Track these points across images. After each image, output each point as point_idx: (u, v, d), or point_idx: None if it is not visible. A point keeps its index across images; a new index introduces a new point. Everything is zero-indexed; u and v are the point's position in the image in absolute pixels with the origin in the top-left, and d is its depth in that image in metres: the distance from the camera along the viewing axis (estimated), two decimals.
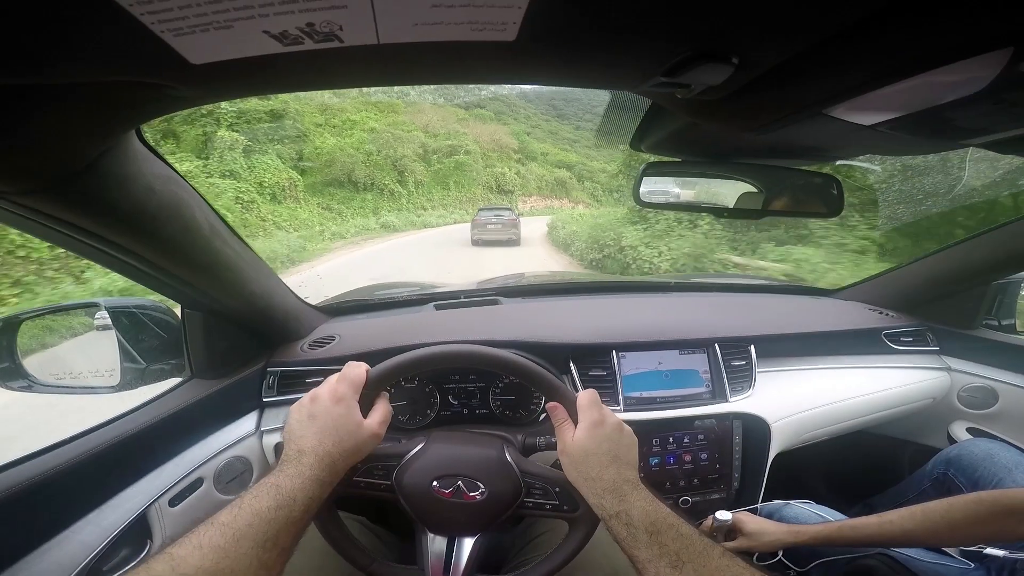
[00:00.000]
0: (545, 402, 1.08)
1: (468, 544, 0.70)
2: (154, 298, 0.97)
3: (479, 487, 0.69)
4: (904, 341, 1.46)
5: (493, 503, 0.69)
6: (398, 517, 0.73)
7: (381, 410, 0.67)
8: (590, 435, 0.64)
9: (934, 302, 1.49)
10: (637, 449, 0.67)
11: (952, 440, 1.39)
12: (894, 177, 5.61)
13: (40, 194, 0.51)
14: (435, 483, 0.69)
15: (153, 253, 0.70)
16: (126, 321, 0.95)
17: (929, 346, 1.48)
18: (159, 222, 0.64)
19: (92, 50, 0.33)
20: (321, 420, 0.61)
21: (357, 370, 0.67)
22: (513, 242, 15.27)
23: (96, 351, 0.94)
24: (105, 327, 0.91)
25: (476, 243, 15.10)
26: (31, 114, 0.40)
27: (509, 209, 16.88)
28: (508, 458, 0.73)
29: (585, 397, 0.68)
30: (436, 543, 0.70)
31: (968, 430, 1.40)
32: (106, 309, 0.92)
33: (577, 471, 0.64)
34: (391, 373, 0.71)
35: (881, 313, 1.53)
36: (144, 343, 0.96)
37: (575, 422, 0.67)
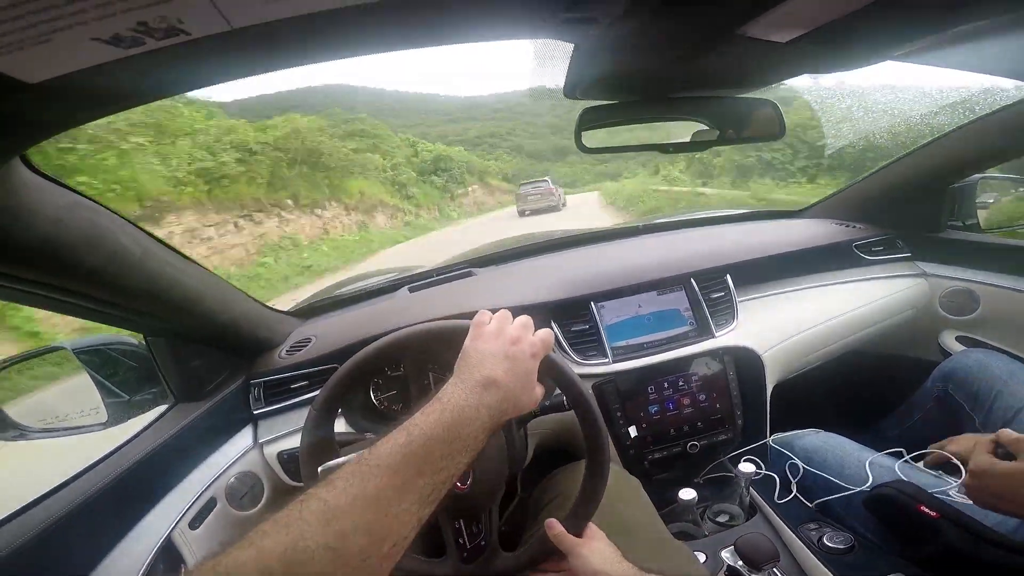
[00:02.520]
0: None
1: (477, 522, 0.71)
2: (120, 332, 0.96)
3: (469, 473, 0.69)
4: (876, 251, 1.47)
5: (481, 490, 0.70)
6: None
7: (543, 386, 0.64)
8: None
9: (898, 210, 1.49)
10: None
11: (944, 351, 1.40)
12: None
13: None
14: None
15: (84, 286, 0.67)
16: (97, 360, 0.94)
17: (901, 252, 1.48)
18: (79, 252, 0.61)
19: None
20: (519, 366, 0.58)
21: (550, 335, 0.65)
22: (553, 208, 17.17)
23: (76, 392, 0.94)
24: None
25: (522, 214, 17.34)
26: None
27: (546, 180, 18.86)
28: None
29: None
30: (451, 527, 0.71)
31: (958, 339, 1.40)
32: (71, 351, 0.91)
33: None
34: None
35: (849, 226, 1.54)
36: (120, 377, 0.95)
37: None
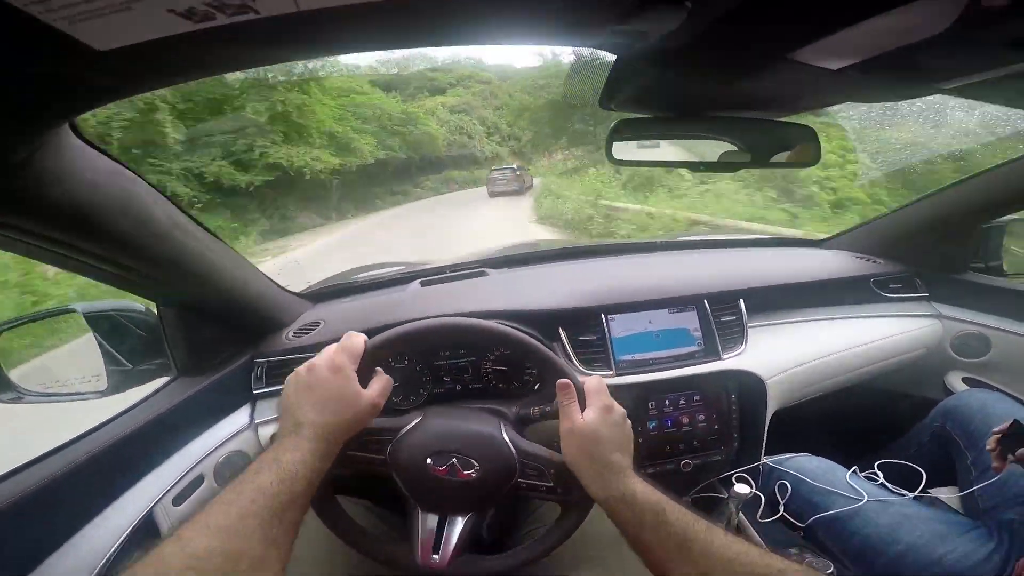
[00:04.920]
0: (539, 375, 1.09)
1: (459, 523, 0.69)
2: (131, 299, 0.95)
3: (474, 465, 0.68)
4: (893, 288, 1.45)
5: (486, 482, 0.69)
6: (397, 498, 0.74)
7: (381, 381, 0.66)
8: (602, 419, 0.64)
9: (921, 249, 1.47)
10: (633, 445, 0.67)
11: (948, 391, 1.39)
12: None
13: None
14: (429, 460, 0.68)
15: (110, 250, 0.68)
16: (106, 325, 0.93)
17: (918, 292, 1.47)
18: (109, 217, 0.62)
19: None
20: (319, 390, 0.60)
21: (355, 340, 0.66)
22: (517, 192, 19.00)
23: (80, 357, 0.94)
24: None
25: (492, 195, 19.16)
26: None
27: (512, 168, 20.72)
28: (504, 437, 0.72)
29: (594, 382, 0.68)
30: (428, 521, 0.70)
31: (964, 380, 1.40)
32: (83, 314, 0.91)
33: (582, 451, 0.64)
34: (389, 343, 0.71)
35: (869, 260, 1.52)
36: (126, 345, 0.95)
37: (582, 405, 0.67)
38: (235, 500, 0.50)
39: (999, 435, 0.90)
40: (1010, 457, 0.87)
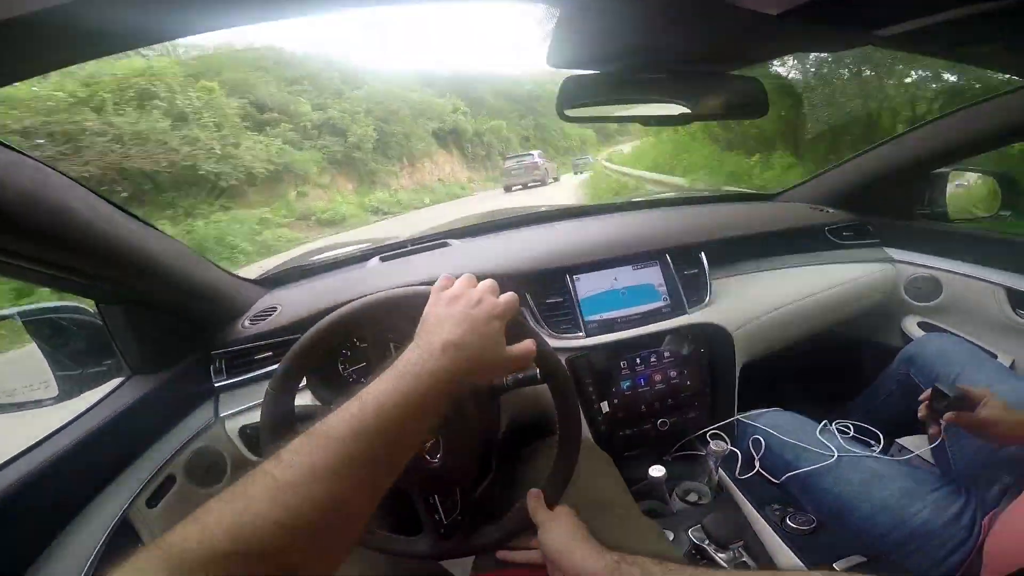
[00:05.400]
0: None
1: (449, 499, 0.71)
2: (71, 300, 0.90)
3: (438, 448, 0.69)
4: (846, 236, 1.51)
5: (453, 464, 0.70)
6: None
7: (528, 346, 0.61)
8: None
9: (872, 198, 1.53)
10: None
11: (907, 337, 1.45)
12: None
13: None
14: None
15: (29, 248, 0.63)
16: (47, 330, 0.88)
17: (870, 238, 1.53)
18: (16, 211, 0.57)
19: None
20: (476, 327, 0.56)
21: (515, 297, 0.62)
22: (536, 181, 17.53)
23: (22, 365, 0.89)
24: None
25: (508, 189, 17.73)
26: None
27: (530, 155, 19.06)
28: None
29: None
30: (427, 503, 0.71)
31: (920, 325, 1.46)
32: (20, 319, 0.86)
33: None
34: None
35: (822, 211, 1.57)
36: (71, 348, 0.90)
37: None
38: (346, 435, 0.43)
39: (926, 404, 0.94)
40: (942, 421, 0.91)
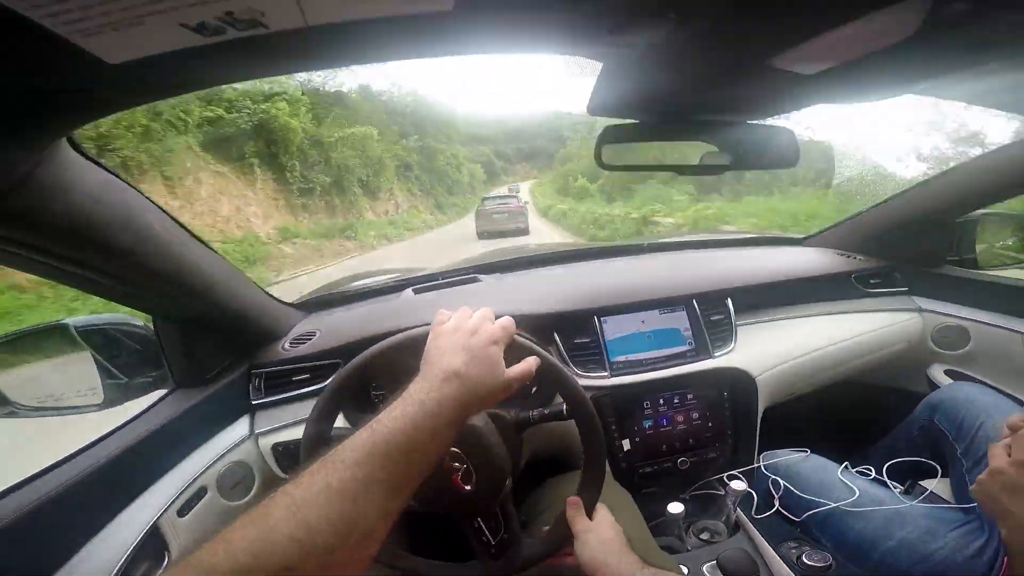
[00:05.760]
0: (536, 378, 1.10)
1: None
2: (124, 313, 0.95)
3: (471, 475, 0.71)
4: (873, 283, 1.50)
5: (488, 488, 0.71)
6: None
7: (527, 365, 0.65)
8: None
9: (899, 244, 1.52)
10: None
11: (932, 384, 1.43)
12: None
13: None
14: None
15: (112, 265, 0.68)
16: (99, 340, 0.93)
17: (898, 286, 1.52)
18: (111, 232, 0.62)
19: None
20: (476, 354, 0.59)
21: (511, 321, 0.67)
22: (522, 231, 14.54)
23: (74, 371, 0.93)
24: None
25: (482, 236, 14.39)
26: None
27: (515, 196, 16.14)
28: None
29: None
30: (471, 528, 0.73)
31: (947, 372, 1.43)
32: (75, 329, 0.90)
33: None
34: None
35: (849, 257, 1.57)
36: (121, 359, 0.94)
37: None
38: (361, 459, 0.46)
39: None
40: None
